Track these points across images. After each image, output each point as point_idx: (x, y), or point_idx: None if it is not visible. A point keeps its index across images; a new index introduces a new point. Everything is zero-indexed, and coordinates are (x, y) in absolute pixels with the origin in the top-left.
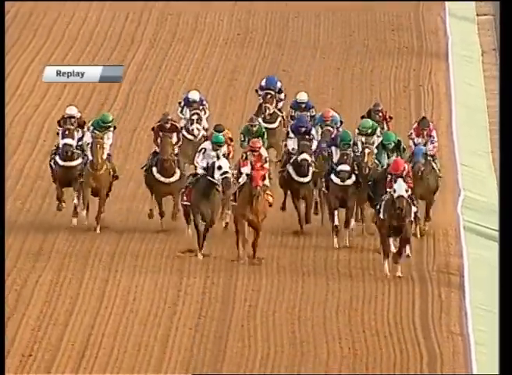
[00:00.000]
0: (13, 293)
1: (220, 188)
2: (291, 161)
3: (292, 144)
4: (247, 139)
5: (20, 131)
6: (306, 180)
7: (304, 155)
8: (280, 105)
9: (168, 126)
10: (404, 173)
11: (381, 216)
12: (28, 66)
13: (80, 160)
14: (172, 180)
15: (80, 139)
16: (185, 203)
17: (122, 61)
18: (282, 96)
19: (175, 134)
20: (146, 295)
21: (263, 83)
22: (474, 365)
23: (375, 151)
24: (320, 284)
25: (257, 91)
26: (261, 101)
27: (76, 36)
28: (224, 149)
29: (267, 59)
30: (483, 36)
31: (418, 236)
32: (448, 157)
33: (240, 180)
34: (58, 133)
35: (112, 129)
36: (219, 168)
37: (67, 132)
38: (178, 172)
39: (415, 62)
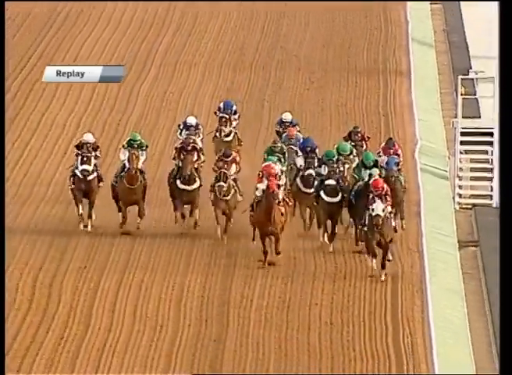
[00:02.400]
0: (43, 289)
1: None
2: (299, 175)
3: (300, 161)
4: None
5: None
6: (311, 191)
7: (310, 171)
8: (234, 124)
9: (189, 148)
10: (383, 192)
11: (365, 228)
12: (81, 47)
13: (95, 174)
14: (193, 187)
15: (96, 158)
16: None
17: (155, 40)
18: (236, 116)
19: (195, 153)
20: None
21: (221, 105)
22: (427, 274)
23: (354, 165)
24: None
25: (215, 112)
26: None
27: (119, 21)
28: (279, 166)
29: (268, 39)
30: (435, 20)
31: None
32: (408, 115)
33: (257, 193)
34: (76, 155)
35: (144, 148)
36: None
37: (85, 158)
38: (198, 181)
39: (382, 40)
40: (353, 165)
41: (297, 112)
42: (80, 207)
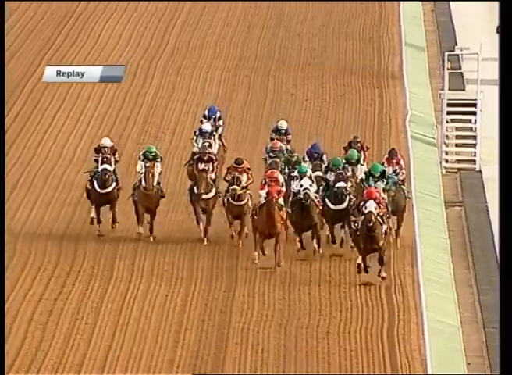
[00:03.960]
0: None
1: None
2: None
3: (306, 166)
4: (287, 167)
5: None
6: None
7: (316, 173)
8: (220, 130)
9: (206, 158)
10: (377, 200)
11: (358, 232)
12: (102, 29)
13: (114, 185)
14: (209, 196)
15: (115, 162)
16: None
17: (169, 22)
18: (220, 123)
19: (210, 164)
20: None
21: (206, 112)
22: (416, 231)
23: (362, 176)
24: None
25: (202, 121)
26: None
27: (134, 9)
28: (309, 172)
29: (272, 19)
30: (424, 3)
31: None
32: (400, 87)
33: (261, 199)
34: (96, 160)
35: (159, 160)
36: (301, 185)
37: (105, 159)
38: (214, 190)
39: (377, 20)
40: (359, 175)
41: (299, 86)
42: (94, 213)
